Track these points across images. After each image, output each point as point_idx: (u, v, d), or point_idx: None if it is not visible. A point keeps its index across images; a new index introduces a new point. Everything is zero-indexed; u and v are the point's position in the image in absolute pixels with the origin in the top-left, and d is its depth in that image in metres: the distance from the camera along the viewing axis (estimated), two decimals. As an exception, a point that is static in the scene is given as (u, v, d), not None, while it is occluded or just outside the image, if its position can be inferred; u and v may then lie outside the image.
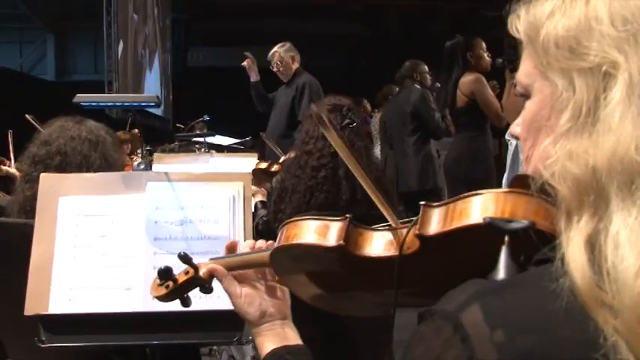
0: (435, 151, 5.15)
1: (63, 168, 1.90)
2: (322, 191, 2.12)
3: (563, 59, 0.67)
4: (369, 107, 7.23)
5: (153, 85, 11.73)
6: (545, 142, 0.69)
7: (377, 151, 6.26)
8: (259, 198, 2.75)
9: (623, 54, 0.64)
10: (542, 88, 0.71)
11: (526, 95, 0.74)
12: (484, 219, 0.71)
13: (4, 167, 4.66)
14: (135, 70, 10.32)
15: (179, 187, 1.72)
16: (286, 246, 0.96)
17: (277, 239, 0.99)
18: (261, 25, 11.74)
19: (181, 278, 1.19)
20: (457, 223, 0.75)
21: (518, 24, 0.74)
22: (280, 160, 2.89)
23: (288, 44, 4.80)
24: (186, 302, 1.23)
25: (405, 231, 0.83)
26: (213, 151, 5.28)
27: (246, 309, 1.13)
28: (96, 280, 1.63)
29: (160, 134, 8.23)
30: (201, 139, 4.74)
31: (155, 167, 3.26)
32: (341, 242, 0.86)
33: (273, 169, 2.91)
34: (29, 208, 1.76)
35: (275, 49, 4.81)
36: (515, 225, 0.69)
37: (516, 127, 0.78)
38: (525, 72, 0.74)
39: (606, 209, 0.60)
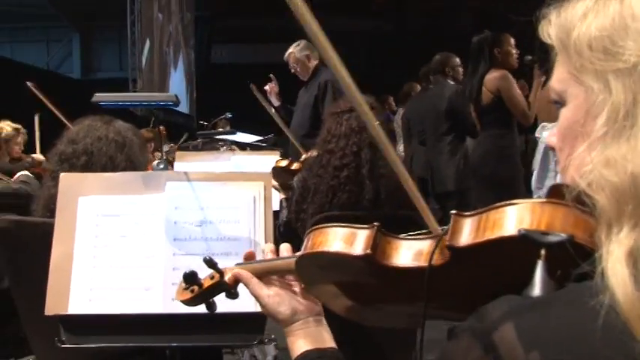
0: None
1: (88, 168, 1.90)
2: (345, 191, 2.09)
3: (598, 61, 0.63)
4: (393, 104, 7.16)
5: (177, 82, 11.81)
6: (580, 149, 0.65)
7: (400, 149, 6.21)
8: (283, 195, 2.72)
9: None
10: (577, 94, 0.67)
11: (560, 102, 0.71)
12: (519, 231, 0.67)
13: (30, 156, 4.73)
14: (160, 68, 10.38)
15: (199, 187, 1.70)
16: (311, 254, 0.92)
17: (303, 246, 0.96)
18: (284, 22, 11.73)
19: (207, 283, 1.17)
20: (490, 235, 0.71)
21: (550, 29, 0.70)
22: (301, 159, 2.85)
23: (302, 42, 4.68)
24: (211, 307, 1.22)
25: (435, 241, 0.79)
26: (236, 149, 5.28)
27: (277, 308, 1.09)
28: (115, 280, 1.61)
29: (183, 131, 8.26)
30: (224, 137, 4.72)
31: (177, 165, 3.26)
32: (368, 251, 0.83)
33: (293, 167, 2.87)
34: (53, 207, 1.76)
35: (290, 50, 4.72)
36: (552, 238, 0.64)
37: (552, 138, 0.74)
38: (559, 78, 0.70)
39: None
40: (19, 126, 4.88)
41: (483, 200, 3.80)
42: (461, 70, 4.98)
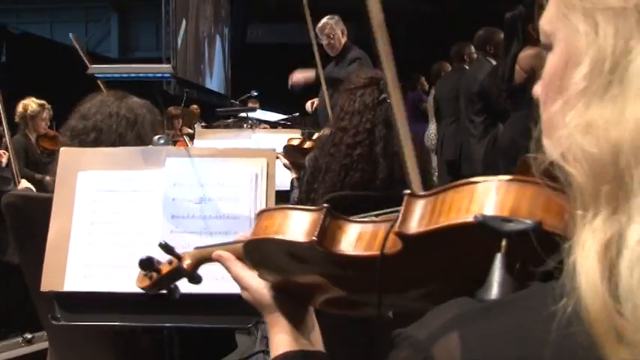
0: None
1: (97, 145, 1.86)
2: (357, 170, 2.00)
3: None
4: (425, 84, 7.00)
5: (215, 62, 11.82)
6: (554, 108, 0.53)
7: (432, 128, 6.06)
8: (295, 175, 2.65)
9: None
10: (565, 37, 0.55)
11: (548, 47, 0.58)
12: (475, 217, 0.56)
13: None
14: (195, 48, 10.39)
15: (199, 163, 1.64)
16: (256, 240, 0.84)
17: (251, 230, 0.88)
18: (321, 1, 11.59)
19: (165, 269, 1.12)
20: (444, 221, 0.60)
21: None
22: (314, 137, 2.76)
23: (337, 17, 4.59)
24: (172, 293, 1.17)
25: (387, 225, 0.69)
26: (267, 127, 5.23)
27: (263, 290, 0.95)
28: (111, 257, 1.57)
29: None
30: (249, 115, 4.67)
31: (196, 142, 3.23)
32: (313, 238, 0.74)
33: (306, 146, 2.78)
34: None
35: (325, 20, 4.60)
36: (514, 226, 0.54)
37: (537, 87, 0.61)
38: (548, 17, 0.58)
39: (627, 206, 0.44)
40: (43, 102, 4.91)
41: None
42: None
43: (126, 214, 1.61)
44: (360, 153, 2.00)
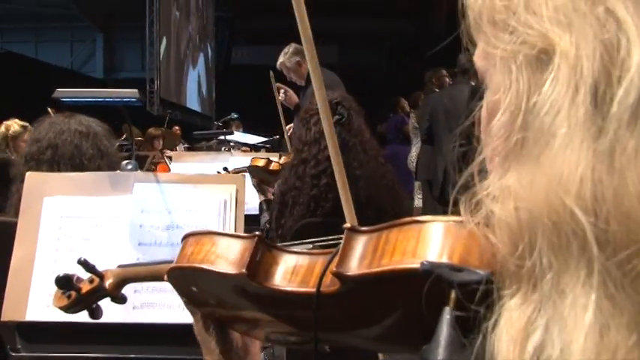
0: None
1: (56, 161, 1.84)
2: (328, 200, 1.97)
3: (502, 43, 0.46)
4: (406, 106, 7.03)
5: (198, 83, 11.81)
6: (477, 160, 0.48)
7: (413, 151, 6.07)
8: (262, 198, 2.61)
9: (564, 29, 0.42)
10: (492, 78, 0.50)
11: (484, 85, 0.54)
12: (422, 263, 0.51)
13: None
14: (177, 69, 10.38)
15: (168, 190, 1.61)
16: (180, 268, 0.78)
17: (177, 254, 0.82)
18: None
19: (85, 287, 1.04)
20: (387, 264, 0.55)
21: None
22: (282, 161, 2.71)
23: (291, 48, 4.33)
24: (95, 314, 1.09)
25: (325, 260, 0.64)
26: (247, 150, 5.21)
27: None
28: (76, 286, 1.53)
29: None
30: (228, 137, 4.64)
31: (174, 166, 3.20)
32: (243, 270, 0.67)
33: (272, 168, 2.73)
34: None
35: (279, 60, 4.41)
36: (465, 276, 0.48)
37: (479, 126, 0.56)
38: (478, 53, 0.53)
39: (540, 286, 0.40)
40: (26, 124, 4.86)
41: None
42: None
43: (92, 241, 1.57)
44: (327, 182, 1.96)
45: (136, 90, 1.59)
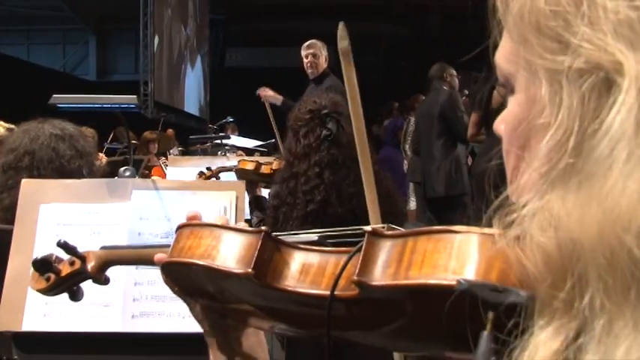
0: (464, 156, 4.92)
1: (35, 167, 1.81)
2: (327, 215, 1.90)
3: (549, 53, 0.41)
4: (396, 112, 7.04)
5: (193, 86, 11.77)
6: (525, 177, 0.44)
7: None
8: (251, 195, 2.56)
9: (629, 46, 0.37)
10: (528, 85, 0.45)
11: (506, 86, 0.50)
12: (459, 282, 0.46)
13: None
14: (170, 72, 10.34)
15: (166, 197, 1.59)
16: (177, 262, 0.73)
17: (171, 245, 0.76)
18: (299, 26, 11.65)
19: (65, 270, 0.99)
20: (415, 277, 0.50)
21: None
22: (274, 166, 2.65)
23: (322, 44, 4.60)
24: (75, 296, 1.04)
25: (343, 260, 0.59)
26: (242, 154, 5.19)
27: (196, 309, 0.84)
28: (73, 295, 1.51)
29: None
30: (224, 141, 4.62)
31: (169, 170, 3.17)
32: (249, 270, 0.62)
33: (262, 171, 2.68)
34: (10, 217, 1.66)
35: (314, 40, 4.58)
36: (505, 297, 0.44)
37: (500, 125, 0.52)
38: (505, 54, 0.48)
39: (584, 323, 0.37)
40: (12, 126, 4.80)
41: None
42: (457, 79, 5.05)
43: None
44: (322, 199, 1.89)
45: (134, 96, 1.57)
